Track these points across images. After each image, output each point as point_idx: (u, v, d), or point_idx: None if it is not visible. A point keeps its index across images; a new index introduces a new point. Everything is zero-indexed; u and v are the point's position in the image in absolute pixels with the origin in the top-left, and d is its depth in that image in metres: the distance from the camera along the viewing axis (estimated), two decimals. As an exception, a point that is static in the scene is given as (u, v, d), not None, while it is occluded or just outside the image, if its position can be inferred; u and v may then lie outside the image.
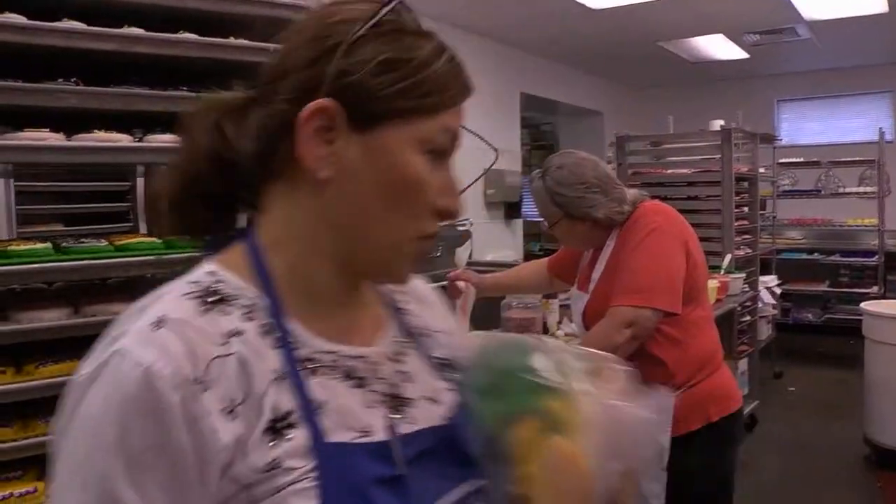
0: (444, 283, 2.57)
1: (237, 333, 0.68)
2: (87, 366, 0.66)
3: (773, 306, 5.77)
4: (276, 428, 0.67)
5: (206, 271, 0.73)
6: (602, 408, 0.78)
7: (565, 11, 5.85)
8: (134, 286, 1.67)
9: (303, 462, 0.66)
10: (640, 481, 0.84)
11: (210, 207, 0.77)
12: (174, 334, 0.65)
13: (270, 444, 0.66)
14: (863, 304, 4.73)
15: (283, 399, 0.68)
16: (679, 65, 7.98)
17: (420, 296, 0.92)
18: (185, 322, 0.66)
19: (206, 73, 1.64)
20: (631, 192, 2.18)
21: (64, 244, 1.46)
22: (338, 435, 0.69)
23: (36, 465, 1.49)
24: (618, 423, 0.78)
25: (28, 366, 1.46)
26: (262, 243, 0.75)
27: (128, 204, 3.20)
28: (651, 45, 7.09)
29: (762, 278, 5.44)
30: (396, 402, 0.77)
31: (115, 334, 0.66)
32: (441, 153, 0.75)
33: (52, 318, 1.46)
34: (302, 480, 0.65)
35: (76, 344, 1.53)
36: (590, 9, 5.74)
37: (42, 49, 1.35)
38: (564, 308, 2.92)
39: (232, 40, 1.64)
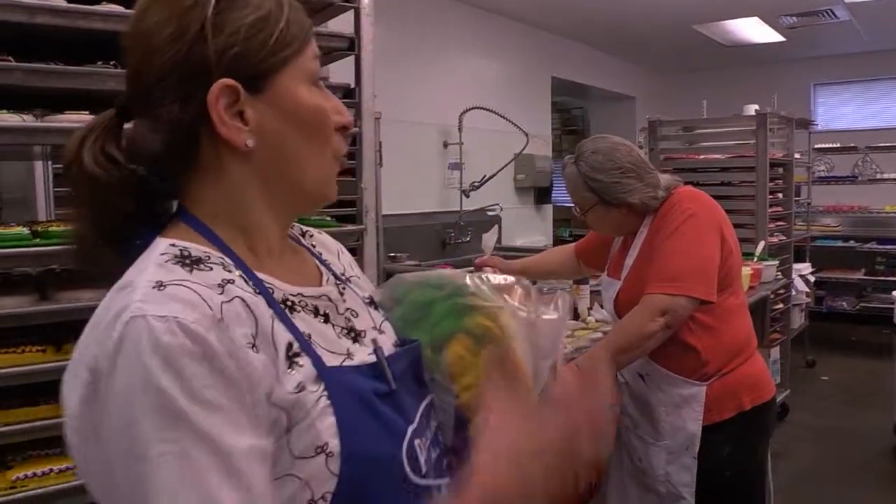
0: (471, 268, 2.57)
1: (229, 281, 0.74)
2: (91, 348, 0.69)
3: (807, 294, 5.69)
4: (290, 357, 0.75)
5: (169, 244, 0.76)
6: (519, 317, 0.90)
7: (598, -6, 5.79)
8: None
9: (315, 386, 0.75)
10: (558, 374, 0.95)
11: (128, 228, 0.79)
12: (181, 287, 0.69)
13: (290, 371, 0.74)
14: (895, 293, 4.65)
15: (283, 334, 0.75)
16: (713, 48, 7.86)
17: (330, 248, 1.02)
18: (181, 278, 0.71)
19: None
20: (665, 178, 2.16)
21: (102, 225, 1.48)
22: (329, 361, 0.78)
23: (75, 442, 1.53)
24: (534, 328, 0.90)
25: (67, 345, 1.48)
26: (200, 218, 0.80)
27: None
28: (685, 29, 6.99)
29: (796, 266, 5.36)
30: (354, 333, 0.86)
31: (114, 311, 0.68)
32: (321, 78, 0.83)
33: (91, 298, 1.48)
34: (319, 401, 0.74)
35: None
36: (623, -9, 5.67)
37: (81, 32, 1.36)
38: (595, 294, 2.90)
39: None
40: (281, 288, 0.81)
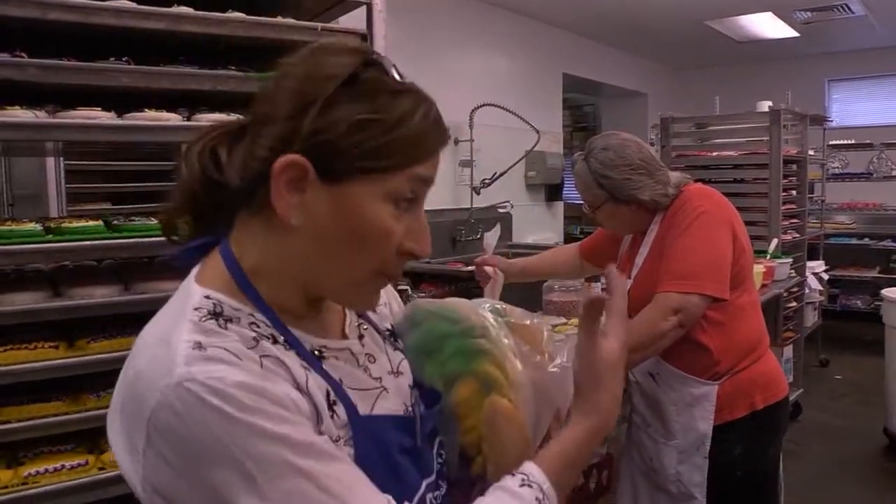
0: (472, 268, 2.55)
1: (261, 338, 0.77)
2: (139, 404, 0.71)
3: (820, 292, 5.65)
4: (331, 404, 0.78)
5: (203, 296, 0.78)
6: (526, 366, 0.91)
7: (610, -10, 5.75)
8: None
9: (342, 431, 0.78)
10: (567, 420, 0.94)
11: (199, 220, 0.85)
12: (220, 349, 0.72)
13: (331, 416, 0.77)
14: (884, 291, 4.63)
15: (319, 381, 0.78)
16: (725, 44, 7.80)
17: None
18: (218, 338, 0.73)
19: (254, 52, 1.65)
20: (674, 175, 2.14)
21: (115, 222, 1.48)
22: (362, 407, 0.81)
23: (87, 438, 1.53)
24: (540, 378, 0.91)
25: (80, 341, 1.49)
26: (244, 267, 0.81)
27: (174, 183, 3.23)
28: (697, 24, 6.94)
29: (809, 264, 5.32)
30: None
31: (157, 372, 0.71)
32: (412, 200, 0.81)
33: (103, 294, 1.48)
34: (342, 445, 0.77)
35: (126, 320, 1.56)
36: (635, -13, 5.64)
37: (94, 28, 1.36)
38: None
39: (279, 19, 1.63)
40: (309, 341, 0.82)
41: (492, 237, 2.48)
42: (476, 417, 0.90)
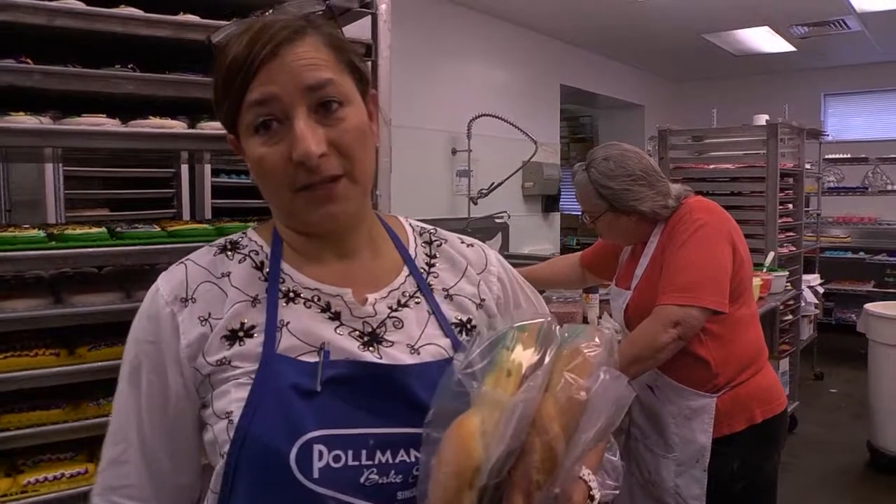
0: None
1: (228, 273, 0.95)
2: None
3: (816, 306, 5.66)
4: (234, 335, 0.91)
5: (242, 233, 1.02)
6: (522, 390, 0.83)
7: (609, 2, 5.78)
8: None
9: (247, 364, 0.88)
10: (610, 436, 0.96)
11: None
12: (183, 266, 0.97)
13: (226, 346, 0.91)
14: (867, 306, 4.68)
15: (251, 316, 0.91)
16: (722, 58, 7.85)
17: (455, 260, 1.06)
18: (195, 262, 0.97)
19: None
20: (675, 187, 2.15)
21: (118, 229, 1.47)
22: (286, 349, 0.89)
23: (86, 446, 1.51)
24: (576, 403, 0.84)
25: (80, 349, 1.47)
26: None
27: (172, 190, 3.22)
28: (695, 37, 6.98)
29: (805, 277, 5.33)
30: (370, 338, 0.92)
31: None
32: (268, 123, 0.87)
33: (104, 301, 1.47)
34: (242, 377, 0.88)
35: (127, 328, 1.54)
36: (635, 0, 5.67)
37: (99, 35, 1.35)
38: (605, 303, 2.89)
39: None
40: (297, 280, 0.95)
41: (492, 245, 2.47)
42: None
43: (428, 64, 5.40)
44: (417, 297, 0.97)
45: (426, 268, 1.02)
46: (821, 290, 5.82)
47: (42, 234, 1.39)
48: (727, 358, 2.04)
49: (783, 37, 6.94)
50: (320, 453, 0.83)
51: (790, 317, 4.92)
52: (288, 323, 0.90)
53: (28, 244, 1.35)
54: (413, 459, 0.86)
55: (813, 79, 8.52)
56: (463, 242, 1.10)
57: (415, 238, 1.06)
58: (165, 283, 0.95)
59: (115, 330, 1.53)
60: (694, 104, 8.42)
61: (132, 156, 2.68)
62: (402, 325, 0.94)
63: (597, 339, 0.91)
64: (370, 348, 0.90)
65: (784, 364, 4.79)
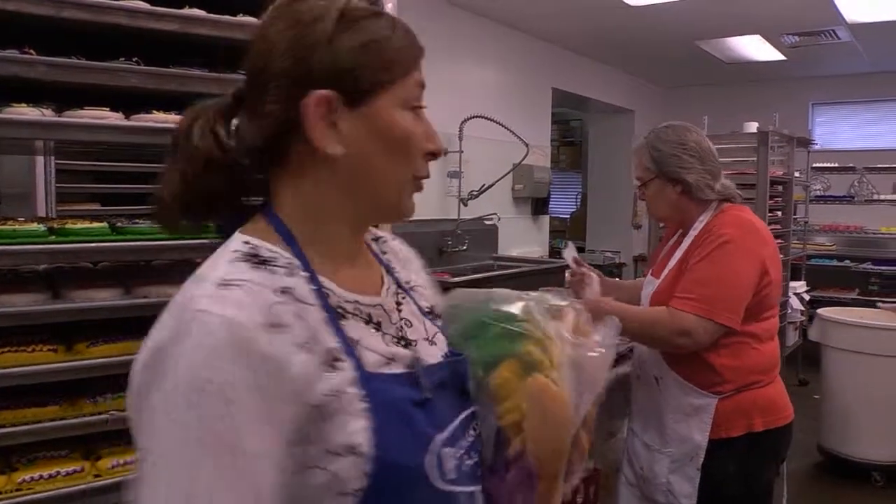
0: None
1: (287, 289, 0.80)
2: (159, 332, 0.76)
3: (802, 312, 5.70)
4: (331, 361, 0.80)
5: (242, 241, 0.84)
6: (568, 348, 0.94)
7: (602, 7, 5.79)
8: (181, 268, 1.67)
9: (354, 389, 0.80)
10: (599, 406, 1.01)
11: (210, 205, 0.88)
12: (240, 290, 0.77)
13: (328, 374, 0.79)
14: (819, 310, 4.79)
15: (329, 338, 0.81)
16: (713, 65, 7.89)
17: (400, 255, 1.07)
18: (244, 279, 0.78)
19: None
20: (726, 182, 2.18)
21: (118, 224, 1.45)
22: (373, 367, 0.84)
23: (82, 444, 1.50)
24: (581, 361, 0.94)
25: (79, 345, 1.46)
26: (282, 218, 0.87)
27: (166, 185, 3.18)
28: (687, 44, 7.01)
29: (792, 284, 5.38)
30: (406, 341, 0.92)
31: (181, 302, 0.76)
32: (417, 106, 0.89)
33: (104, 297, 1.46)
34: (352, 403, 0.79)
35: (127, 324, 1.53)
36: (628, 5, 5.68)
37: (106, 27, 1.34)
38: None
39: None
40: (338, 294, 0.87)
41: (569, 252, 2.43)
42: (517, 399, 0.92)
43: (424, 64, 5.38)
44: (402, 294, 0.98)
45: (387, 265, 1.03)
46: (807, 296, 5.87)
47: (42, 228, 1.37)
48: (737, 369, 2.05)
49: (774, 45, 6.99)
50: (448, 456, 0.87)
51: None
52: (358, 340, 0.85)
53: (28, 238, 1.33)
54: (475, 434, 0.93)
55: (802, 88, 8.58)
56: (388, 236, 1.13)
57: (366, 237, 1.06)
58: (236, 309, 0.74)
59: (114, 326, 1.51)
60: (684, 110, 8.45)
61: (125, 150, 2.65)
62: (412, 325, 0.95)
63: (568, 300, 1.03)
64: (411, 349, 0.92)
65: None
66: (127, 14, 1.35)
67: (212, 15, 1.47)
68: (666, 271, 2.16)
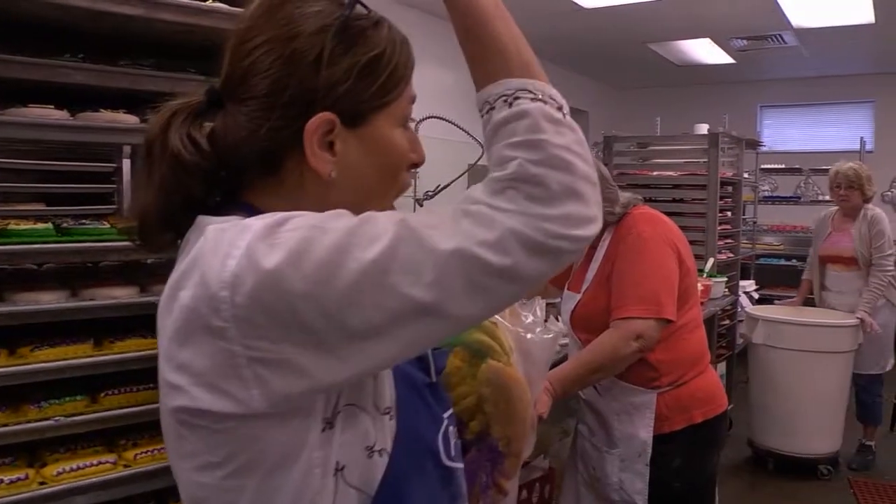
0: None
1: None
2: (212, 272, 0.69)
3: (751, 311, 5.81)
4: None
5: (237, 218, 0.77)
6: (515, 333, 0.99)
7: (555, 9, 5.84)
8: (130, 270, 1.64)
9: None
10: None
11: (189, 213, 0.81)
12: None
13: None
14: (748, 308, 4.82)
15: None
16: (665, 67, 8.02)
17: None
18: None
19: (218, 53, 1.60)
20: (625, 195, 2.20)
21: (64, 224, 1.41)
22: None
23: (27, 451, 1.46)
24: (529, 344, 0.99)
25: (22, 349, 1.41)
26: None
27: (113, 185, 3.12)
28: (638, 46, 7.11)
29: (741, 283, 5.48)
30: None
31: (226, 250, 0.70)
32: (406, 122, 0.87)
33: (50, 300, 1.41)
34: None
35: (71, 327, 1.49)
36: (581, 7, 5.74)
37: (66, 10, 1.25)
38: (550, 306, 2.91)
39: None
40: None
41: None
42: (469, 385, 0.95)
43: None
44: None
45: None
46: (756, 295, 5.99)
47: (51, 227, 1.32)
48: (672, 361, 2.09)
49: (723, 49, 7.13)
50: (451, 434, 0.90)
51: (727, 322, 5.04)
52: None
53: (38, 237, 1.29)
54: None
55: (750, 90, 8.77)
56: None
57: None
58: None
59: (58, 330, 1.47)
60: (636, 111, 8.58)
61: (74, 149, 2.58)
62: None
63: None
64: None
65: (721, 368, 4.91)
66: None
67: (180, 0, 1.39)
68: (585, 284, 2.18)
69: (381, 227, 0.69)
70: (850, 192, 4.47)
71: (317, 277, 0.66)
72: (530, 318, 1.03)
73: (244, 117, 0.80)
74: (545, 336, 1.00)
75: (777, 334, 4.40)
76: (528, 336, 0.99)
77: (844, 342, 4.33)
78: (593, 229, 0.73)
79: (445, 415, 0.91)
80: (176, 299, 0.72)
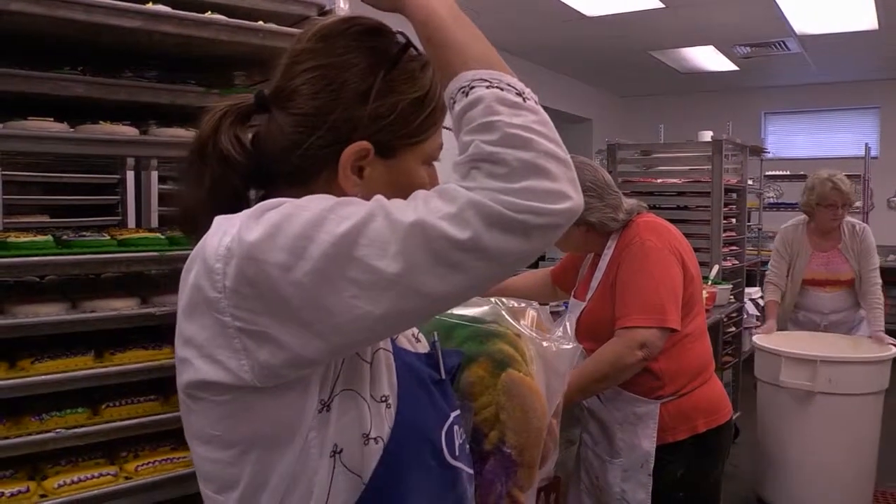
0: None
1: None
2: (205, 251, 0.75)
3: (757, 318, 5.78)
4: None
5: None
6: (537, 344, 1.01)
7: (559, 17, 5.85)
8: (131, 282, 1.64)
9: (388, 348, 0.88)
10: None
11: (236, 206, 0.84)
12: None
13: None
14: (755, 338, 4.09)
15: None
16: (668, 75, 8.02)
17: None
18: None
19: (217, 65, 1.60)
20: (629, 202, 2.19)
21: (64, 237, 1.41)
22: (400, 343, 0.92)
23: (28, 463, 1.45)
24: (550, 355, 1.00)
25: (23, 361, 1.41)
26: None
27: (117, 197, 3.13)
28: (642, 54, 7.12)
29: (747, 290, 5.45)
30: (414, 336, 0.98)
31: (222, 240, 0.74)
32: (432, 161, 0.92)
33: (50, 312, 1.41)
34: (389, 362, 0.86)
35: (72, 339, 1.49)
36: (584, 16, 5.75)
37: (61, 23, 1.25)
38: (555, 314, 2.91)
39: (261, 24, 1.56)
40: None
41: None
42: (491, 395, 0.97)
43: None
44: None
45: None
46: (761, 302, 5.95)
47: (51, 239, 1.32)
48: (675, 370, 2.08)
49: (727, 56, 7.14)
50: (457, 434, 0.92)
51: (733, 329, 5.02)
52: None
53: (40, 250, 1.29)
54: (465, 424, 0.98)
55: (754, 97, 8.77)
56: None
57: None
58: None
59: (60, 342, 1.47)
60: (640, 119, 8.58)
61: (78, 161, 2.59)
62: None
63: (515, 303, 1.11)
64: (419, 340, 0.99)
65: (728, 375, 4.89)
66: (84, 8, 1.26)
67: (179, 12, 1.39)
68: (591, 292, 2.17)
69: (356, 205, 0.73)
70: (844, 209, 4.03)
71: (291, 249, 0.70)
72: (558, 332, 1.06)
73: (289, 129, 0.85)
74: (565, 346, 1.02)
75: (806, 374, 3.52)
76: (549, 346, 1.01)
77: (884, 379, 3.59)
78: (565, 204, 0.76)
79: (452, 413, 0.92)
80: (186, 281, 0.77)
